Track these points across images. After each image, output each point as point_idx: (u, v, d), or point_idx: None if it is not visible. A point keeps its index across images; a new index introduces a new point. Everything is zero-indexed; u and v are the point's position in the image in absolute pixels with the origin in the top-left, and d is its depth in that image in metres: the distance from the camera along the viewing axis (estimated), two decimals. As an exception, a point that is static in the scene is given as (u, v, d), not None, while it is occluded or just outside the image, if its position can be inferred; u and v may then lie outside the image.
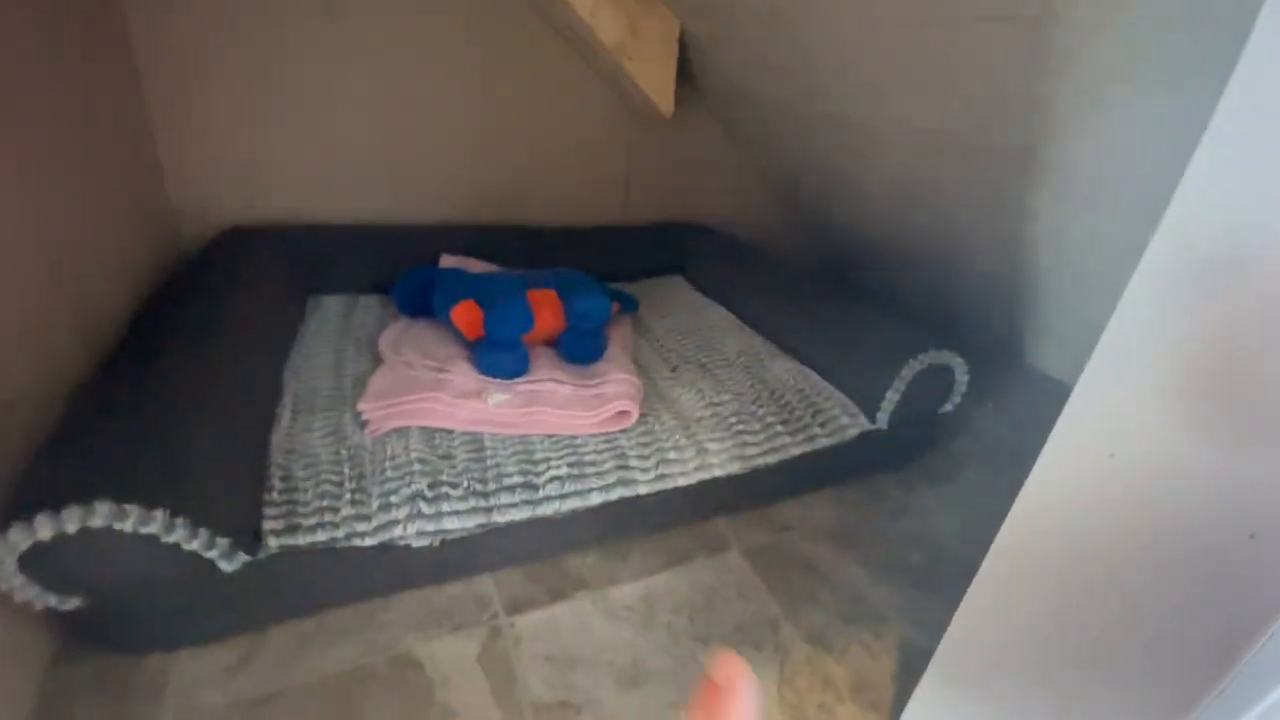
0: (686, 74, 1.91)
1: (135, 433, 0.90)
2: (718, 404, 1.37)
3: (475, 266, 1.76)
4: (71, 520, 0.75)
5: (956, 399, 1.45)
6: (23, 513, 0.75)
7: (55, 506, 0.76)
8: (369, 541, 0.97)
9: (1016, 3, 0.90)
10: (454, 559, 1.07)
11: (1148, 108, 0.88)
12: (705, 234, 2.23)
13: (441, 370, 1.32)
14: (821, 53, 1.38)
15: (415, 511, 1.00)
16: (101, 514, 0.77)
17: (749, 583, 1.15)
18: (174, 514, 0.81)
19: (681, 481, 1.19)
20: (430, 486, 1.04)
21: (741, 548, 1.24)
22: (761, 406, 1.38)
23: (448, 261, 1.77)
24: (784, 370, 1.54)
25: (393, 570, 1.03)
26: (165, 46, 1.49)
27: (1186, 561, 0.49)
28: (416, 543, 0.99)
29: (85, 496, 0.77)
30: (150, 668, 0.90)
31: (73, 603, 0.83)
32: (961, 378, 1.42)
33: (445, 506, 1.02)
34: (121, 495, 0.78)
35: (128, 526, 0.78)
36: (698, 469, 1.21)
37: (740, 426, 1.31)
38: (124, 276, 1.33)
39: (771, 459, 1.28)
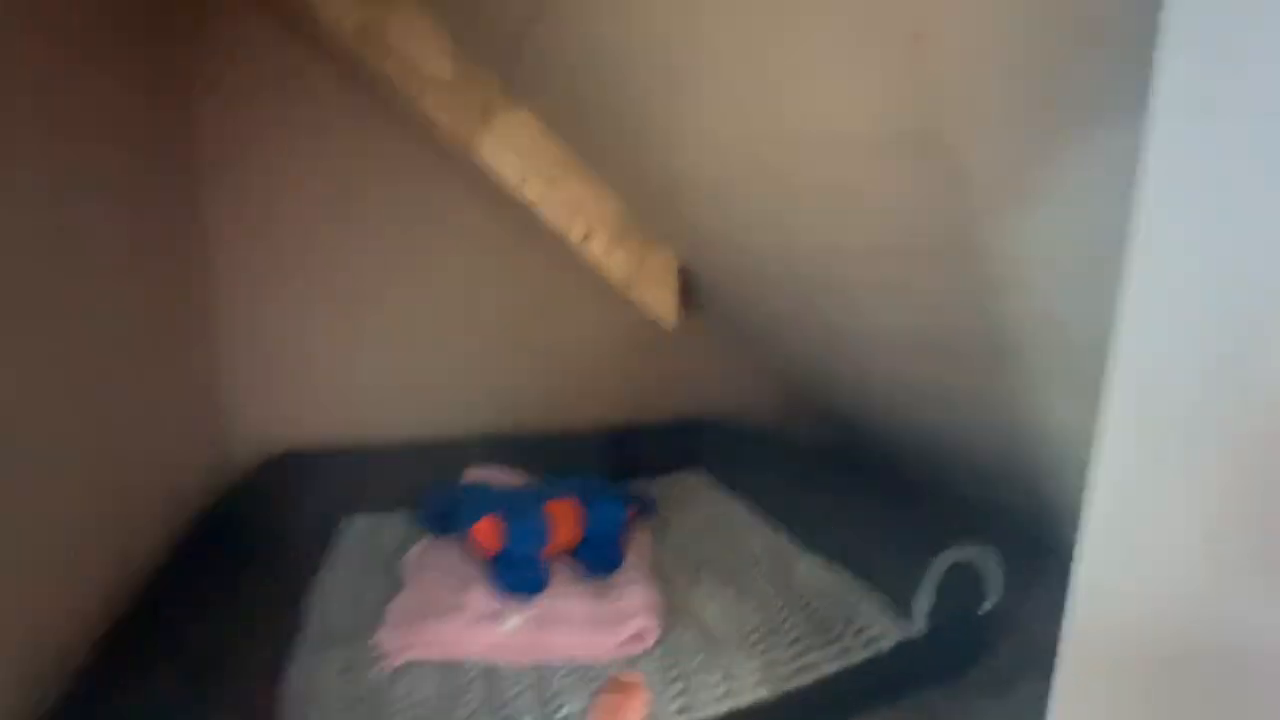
0: (690, 289, 2.15)
1: (155, 700, 0.91)
2: (742, 617, 1.32)
3: (499, 478, 1.83)
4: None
5: (995, 596, 1.37)
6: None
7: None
8: (372, 803, 0.90)
9: (951, 239, 1.06)
10: (462, 821, 0.97)
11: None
12: (720, 428, 2.31)
13: (459, 591, 1.32)
14: (804, 280, 1.57)
15: (423, 763, 0.94)
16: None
17: (795, 841, 1.01)
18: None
19: (709, 712, 1.11)
20: (440, 732, 0.99)
21: (783, 792, 1.10)
22: (789, 617, 1.33)
23: (473, 474, 1.85)
24: (808, 571, 1.49)
25: (395, 839, 0.94)
26: (240, 298, 1.77)
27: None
28: (422, 803, 0.92)
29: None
30: None
31: None
32: (995, 572, 1.36)
33: (455, 756, 0.96)
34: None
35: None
36: (725, 695, 1.13)
37: (766, 644, 1.25)
38: (169, 510, 1.42)
39: (805, 678, 1.19)
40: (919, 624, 1.30)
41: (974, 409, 1.52)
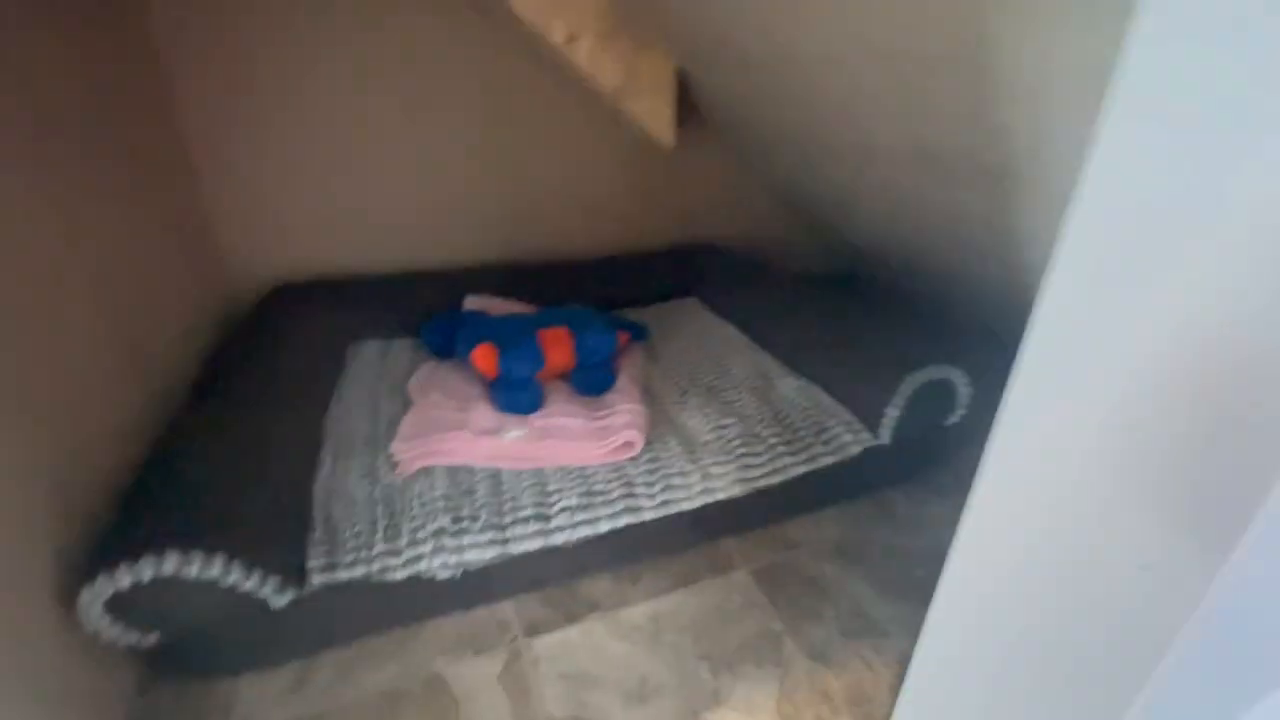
0: (687, 105, 1.99)
1: (198, 486, 1.05)
2: (723, 427, 1.44)
3: (497, 307, 1.88)
4: (147, 569, 0.89)
5: (961, 411, 1.47)
6: (106, 563, 0.89)
7: (134, 557, 0.89)
8: (399, 575, 1.08)
9: (962, 47, 0.95)
10: (476, 586, 1.17)
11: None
12: (715, 254, 2.29)
13: (462, 409, 1.44)
14: (805, 88, 1.44)
15: (439, 545, 1.11)
16: (171, 562, 0.90)
17: (754, 601, 1.21)
18: (230, 558, 0.94)
19: (686, 506, 1.26)
20: (453, 521, 1.15)
21: (748, 567, 1.30)
22: (766, 428, 1.44)
23: (472, 303, 1.90)
24: (790, 389, 1.59)
25: (422, 599, 1.14)
26: (209, 115, 1.68)
27: (1089, 591, 0.53)
28: (441, 574, 1.10)
29: (157, 547, 0.90)
30: (220, 692, 1.03)
31: (150, 639, 0.96)
32: (963, 390, 1.44)
33: (466, 540, 1.13)
34: (187, 544, 0.92)
35: (193, 572, 0.91)
36: (701, 493, 1.28)
37: (744, 449, 1.37)
38: (183, 334, 1.50)
39: (774, 479, 1.33)
40: (885, 435, 1.42)
41: (968, 231, 1.48)
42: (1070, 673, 0.59)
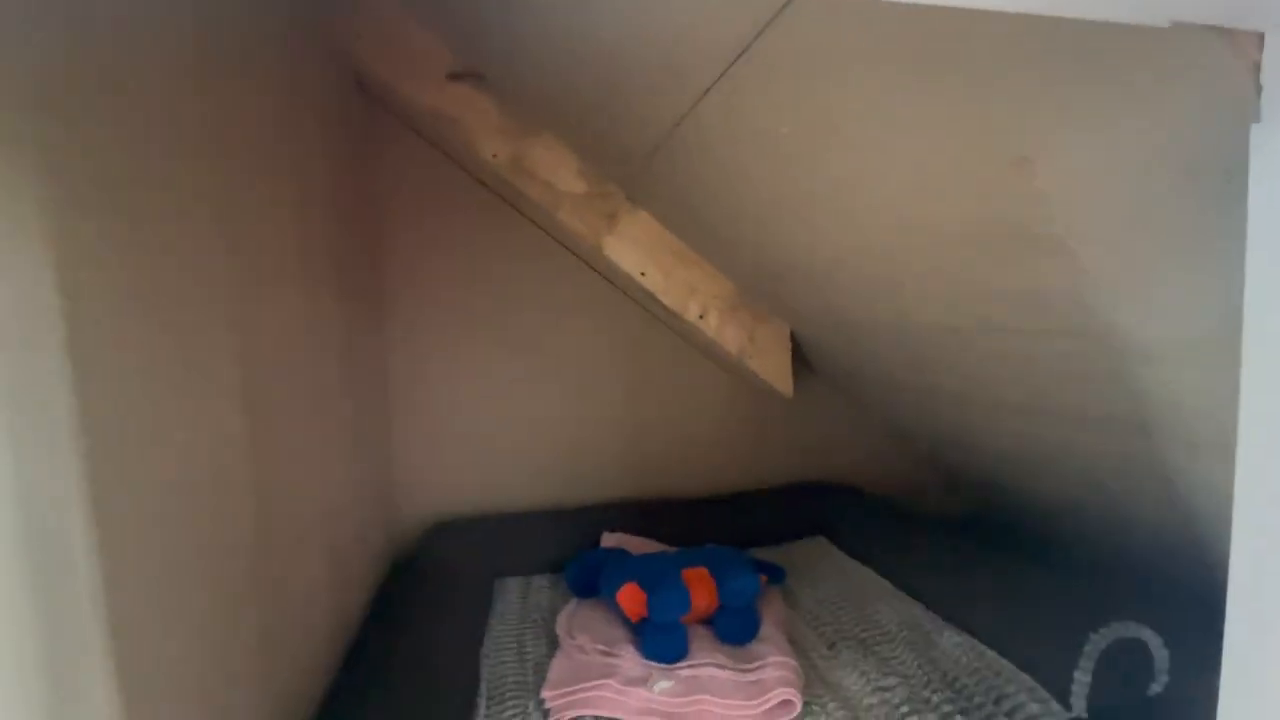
0: (804, 358, 2.24)
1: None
2: (885, 689, 1.34)
3: (634, 544, 1.96)
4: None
5: (1163, 678, 1.28)
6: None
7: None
8: None
9: (1074, 323, 1.10)
10: None
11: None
12: (845, 493, 2.32)
13: (610, 654, 1.44)
14: (918, 353, 1.62)
15: (598, 814, 1.05)
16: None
17: None
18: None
19: (859, 785, 1.13)
20: (610, 785, 1.10)
21: None
22: (935, 692, 1.32)
23: (609, 540, 2.00)
24: (953, 645, 1.47)
25: None
26: (401, 373, 2.09)
27: None
28: None
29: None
30: None
31: None
32: (1160, 652, 1.28)
33: (624, 810, 1.06)
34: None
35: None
36: (875, 769, 1.15)
37: (914, 718, 1.25)
38: (365, 568, 1.69)
39: (956, 758, 1.18)
40: (1079, 707, 1.25)
41: (1120, 476, 1.46)
42: None
